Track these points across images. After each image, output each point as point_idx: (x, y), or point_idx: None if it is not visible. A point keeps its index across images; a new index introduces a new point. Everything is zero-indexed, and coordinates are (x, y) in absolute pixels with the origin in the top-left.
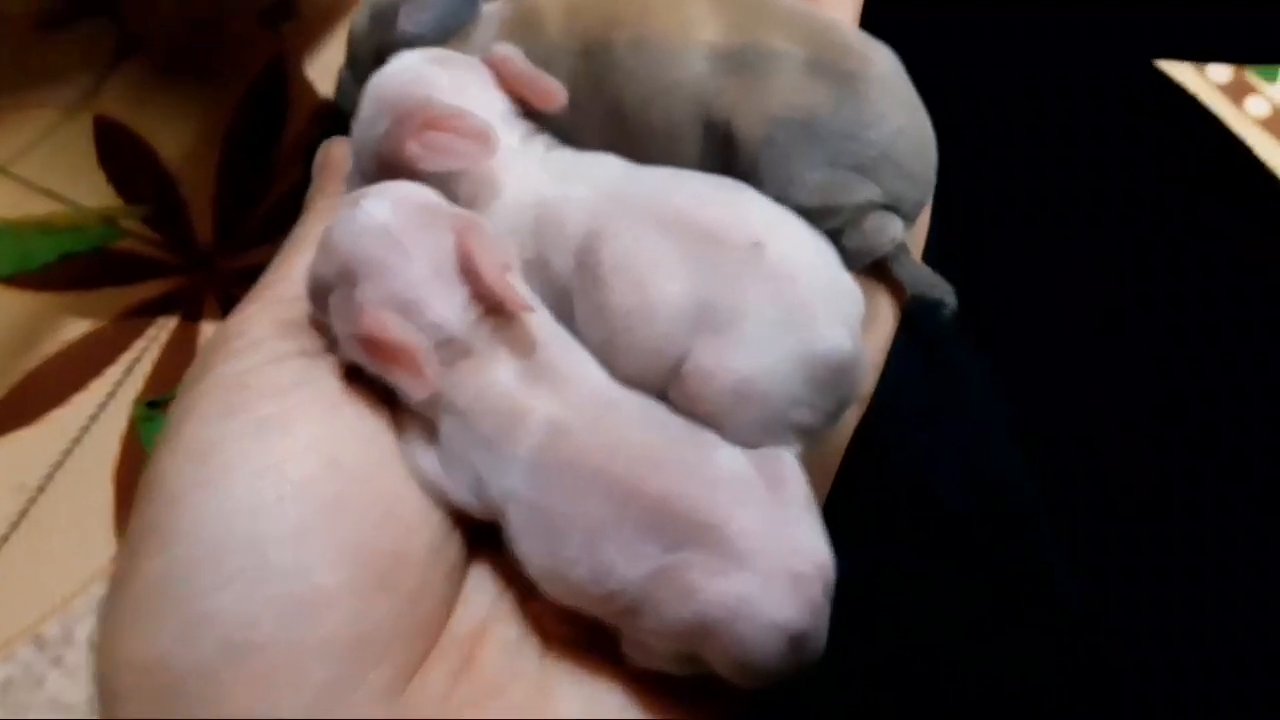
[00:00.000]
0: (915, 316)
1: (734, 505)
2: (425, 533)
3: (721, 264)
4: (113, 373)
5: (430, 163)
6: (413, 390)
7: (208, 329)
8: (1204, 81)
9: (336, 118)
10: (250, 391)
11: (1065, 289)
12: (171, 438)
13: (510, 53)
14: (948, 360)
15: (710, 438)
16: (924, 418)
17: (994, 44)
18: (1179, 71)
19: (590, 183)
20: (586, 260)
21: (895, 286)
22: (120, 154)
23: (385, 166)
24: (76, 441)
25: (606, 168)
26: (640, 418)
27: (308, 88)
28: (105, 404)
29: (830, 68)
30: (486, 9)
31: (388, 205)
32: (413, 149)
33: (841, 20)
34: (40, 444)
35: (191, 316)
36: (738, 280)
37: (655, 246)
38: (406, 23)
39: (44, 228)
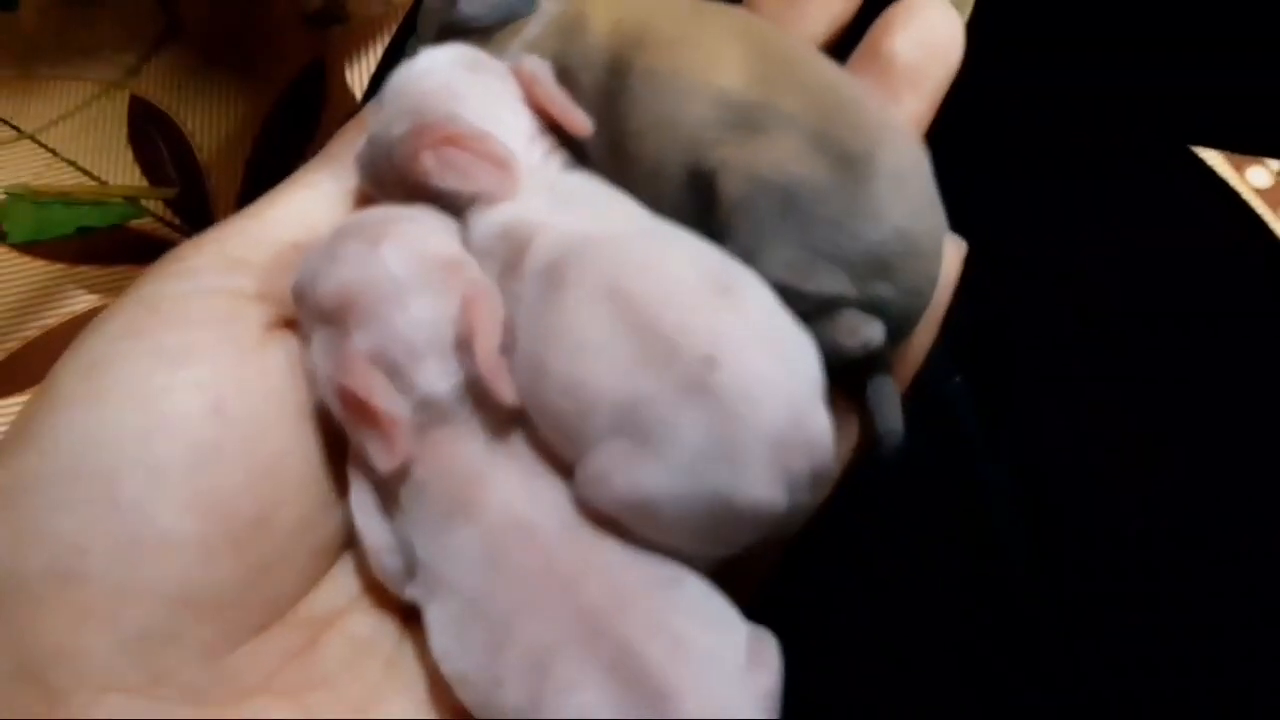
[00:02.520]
0: (926, 386)
1: (698, 677)
2: (301, 504)
3: (666, 372)
4: None
5: (443, 180)
6: (380, 460)
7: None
8: (1243, 184)
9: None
10: (160, 316)
11: (1086, 375)
12: (75, 345)
13: (541, 71)
14: (956, 425)
15: (681, 574)
16: (928, 474)
17: (1026, 117)
18: (1218, 163)
19: (581, 219)
20: (536, 303)
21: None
22: (151, 136)
23: (395, 168)
24: None
25: (608, 207)
26: (614, 541)
27: (346, 93)
28: None
29: (836, 145)
30: (544, 5)
31: (406, 257)
32: (428, 162)
33: (874, 101)
34: None
35: None
36: (677, 396)
37: (603, 327)
38: (466, 4)
39: (66, 199)
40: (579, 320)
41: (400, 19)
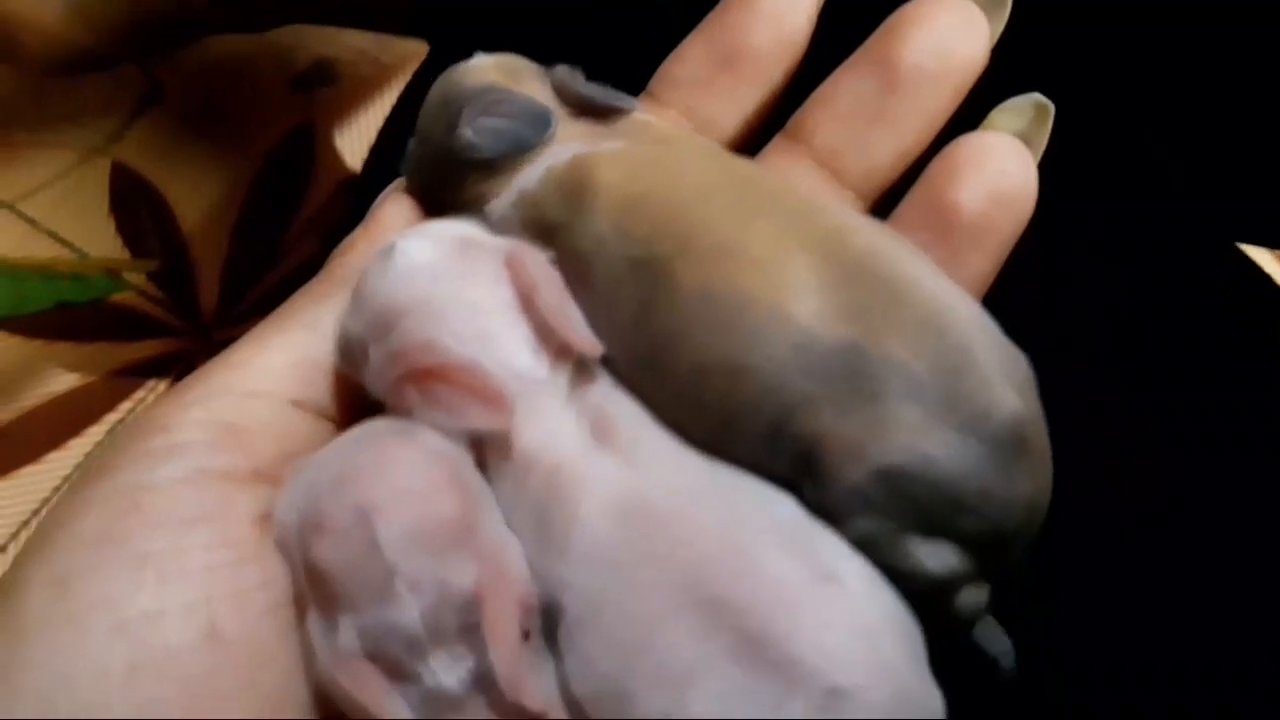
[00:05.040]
0: None
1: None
2: None
3: (787, 703)
4: (95, 432)
5: (428, 415)
6: None
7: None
8: None
9: (362, 191)
10: (142, 516)
11: (1125, 472)
12: (42, 544)
13: (540, 273)
14: None
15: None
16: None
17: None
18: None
19: (628, 468)
20: (601, 602)
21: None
22: (133, 205)
23: (374, 385)
24: (47, 502)
25: (654, 455)
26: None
27: (335, 158)
28: (85, 464)
29: (961, 406)
30: (558, 139)
31: (402, 531)
32: (410, 396)
33: (981, 317)
34: (8, 500)
35: None
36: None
37: (702, 650)
38: (469, 128)
39: (44, 272)
40: (673, 641)
41: (392, 79)
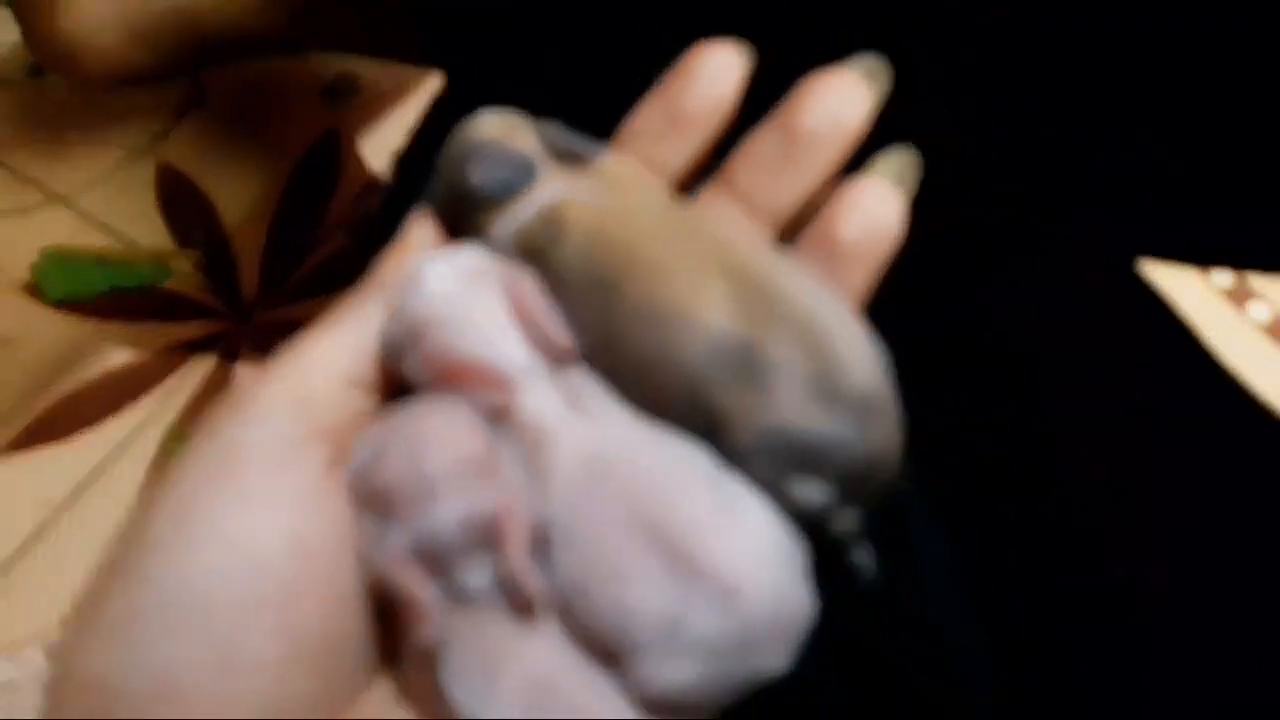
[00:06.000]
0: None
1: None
2: (367, 626)
3: (696, 594)
4: (147, 402)
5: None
6: (418, 634)
7: (242, 371)
8: (1206, 285)
9: (384, 192)
10: (243, 463)
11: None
12: (160, 490)
13: (528, 289)
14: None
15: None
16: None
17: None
18: (1175, 275)
19: (590, 425)
20: (571, 526)
21: None
22: (179, 201)
23: (413, 374)
24: (106, 464)
25: (611, 419)
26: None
27: (359, 163)
28: (138, 431)
29: (824, 385)
30: (546, 180)
31: (444, 463)
32: (440, 386)
33: (846, 320)
34: (69, 463)
35: (229, 358)
36: (709, 615)
37: (641, 560)
38: (474, 174)
39: (98, 259)
40: (620, 554)
41: (409, 92)
